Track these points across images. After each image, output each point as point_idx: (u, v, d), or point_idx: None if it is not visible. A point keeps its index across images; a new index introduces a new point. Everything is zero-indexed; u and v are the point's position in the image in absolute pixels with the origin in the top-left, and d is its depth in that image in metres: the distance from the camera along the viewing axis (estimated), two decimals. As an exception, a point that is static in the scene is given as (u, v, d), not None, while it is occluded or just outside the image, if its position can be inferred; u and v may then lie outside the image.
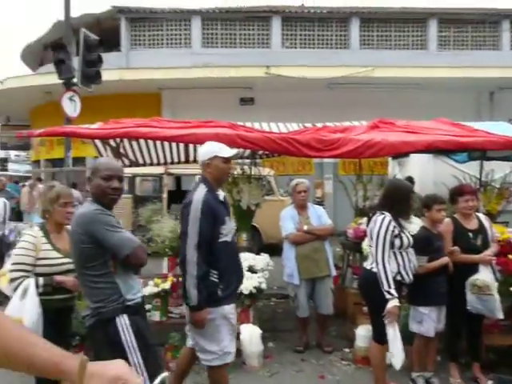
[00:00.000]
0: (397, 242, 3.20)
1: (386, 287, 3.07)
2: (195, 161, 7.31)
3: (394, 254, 3.21)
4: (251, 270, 4.38)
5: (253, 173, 5.54)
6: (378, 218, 3.24)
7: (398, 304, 3.09)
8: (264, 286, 4.25)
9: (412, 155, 7.64)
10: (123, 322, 2.25)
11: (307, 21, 14.07)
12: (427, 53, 13.70)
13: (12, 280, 2.68)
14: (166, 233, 4.65)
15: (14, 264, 2.72)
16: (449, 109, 9.87)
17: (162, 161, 6.98)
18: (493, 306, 3.47)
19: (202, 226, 2.69)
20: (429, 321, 3.53)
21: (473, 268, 3.55)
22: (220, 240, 2.78)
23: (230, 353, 2.84)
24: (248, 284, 4.14)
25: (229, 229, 2.85)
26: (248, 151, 6.22)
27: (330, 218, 4.73)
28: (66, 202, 2.79)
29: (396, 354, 3.07)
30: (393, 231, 3.18)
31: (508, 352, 4.03)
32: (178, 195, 9.40)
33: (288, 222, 4.56)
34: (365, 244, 4.52)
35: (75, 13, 11.76)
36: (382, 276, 3.08)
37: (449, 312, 3.65)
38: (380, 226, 3.18)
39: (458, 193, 3.78)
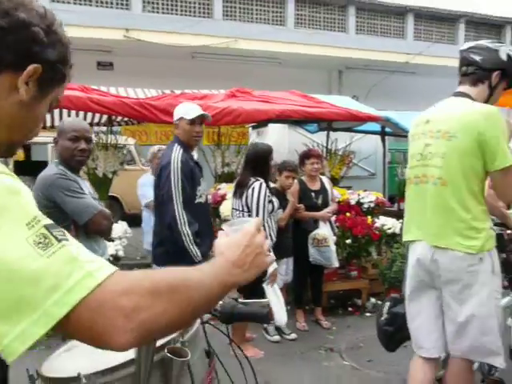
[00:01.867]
0: (269, 206, 3.36)
1: None
2: (53, 127, 6.65)
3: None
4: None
5: (109, 140, 5.32)
6: (255, 184, 3.30)
7: (276, 266, 3.31)
8: (121, 253, 4.19)
9: (270, 125, 8.09)
10: None
11: (169, -15, 13.60)
12: (286, 29, 14.39)
13: None
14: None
15: None
16: (303, 84, 10.55)
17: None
18: (329, 256, 3.96)
19: (185, 186, 2.72)
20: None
21: (314, 224, 3.99)
22: (196, 201, 2.81)
23: None
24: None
25: (203, 190, 2.88)
26: (105, 117, 5.94)
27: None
28: None
29: (280, 311, 3.30)
30: (268, 196, 3.32)
31: (344, 296, 4.67)
32: (28, 166, 8.54)
33: (148, 189, 4.49)
34: (223, 208, 4.72)
35: None
36: None
37: (295, 264, 4.05)
38: (259, 193, 3.26)
39: (305, 156, 4.18)
